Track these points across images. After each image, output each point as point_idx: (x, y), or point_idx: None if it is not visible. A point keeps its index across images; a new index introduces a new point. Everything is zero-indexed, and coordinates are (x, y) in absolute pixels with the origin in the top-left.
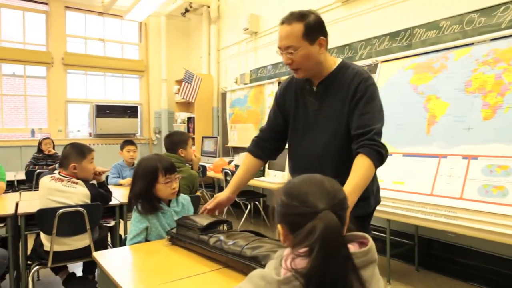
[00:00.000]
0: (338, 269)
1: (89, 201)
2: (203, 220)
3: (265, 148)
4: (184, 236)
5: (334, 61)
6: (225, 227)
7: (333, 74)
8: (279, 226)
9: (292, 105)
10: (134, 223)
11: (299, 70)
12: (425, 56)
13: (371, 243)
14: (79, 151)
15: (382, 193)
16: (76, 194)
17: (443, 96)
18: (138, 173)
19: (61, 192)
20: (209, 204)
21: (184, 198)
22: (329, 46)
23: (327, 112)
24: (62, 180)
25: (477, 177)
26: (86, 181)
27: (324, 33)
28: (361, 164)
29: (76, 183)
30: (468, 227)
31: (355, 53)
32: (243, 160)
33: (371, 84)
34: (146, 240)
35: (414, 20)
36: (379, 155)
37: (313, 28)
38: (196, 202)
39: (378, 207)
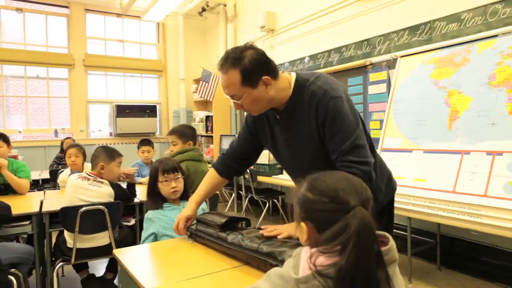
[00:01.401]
0: (371, 266)
1: (111, 198)
2: (222, 218)
3: (231, 167)
4: (203, 233)
5: (289, 82)
6: (244, 225)
7: (292, 99)
8: (302, 224)
9: (266, 135)
10: (143, 232)
11: (252, 111)
12: (446, 49)
13: (392, 242)
14: (109, 153)
15: (402, 190)
16: (101, 193)
17: (465, 90)
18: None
19: (86, 190)
20: (180, 225)
21: None
22: (347, 42)
23: (298, 141)
24: (89, 179)
25: (502, 173)
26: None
27: (267, 70)
28: None
29: (102, 183)
30: (493, 225)
31: (373, 49)
32: (207, 176)
33: (329, 100)
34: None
35: (434, 13)
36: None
37: (250, 71)
38: (215, 201)
39: (398, 205)
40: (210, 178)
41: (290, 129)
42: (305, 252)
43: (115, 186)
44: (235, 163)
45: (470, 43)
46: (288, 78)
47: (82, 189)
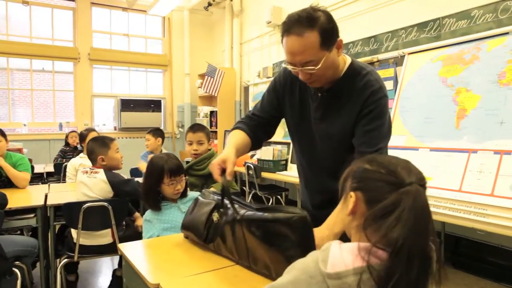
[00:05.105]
0: (427, 246)
1: (108, 187)
2: (202, 229)
3: (257, 134)
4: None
5: (344, 62)
6: (217, 216)
7: (342, 81)
8: (352, 194)
9: (293, 106)
10: (143, 234)
11: (316, 82)
12: (455, 47)
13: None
14: (101, 143)
15: None
16: (96, 184)
17: (474, 88)
18: (146, 171)
19: (84, 184)
20: (216, 171)
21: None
22: (354, 38)
23: (332, 124)
24: (87, 172)
25: (510, 173)
26: (110, 170)
27: (338, 32)
28: None
29: (97, 172)
30: (500, 225)
31: (381, 45)
32: (236, 134)
33: (382, 97)
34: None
35: (443, 9)
36: None
37: (329, 32)
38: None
39: None
40: (241, 136)
41: (328, 109)
42: (334, 247)
43: (109, 174)
44: (260, 130)
45: (480, 40)
46: (343, 58)
47: (82, 184)
